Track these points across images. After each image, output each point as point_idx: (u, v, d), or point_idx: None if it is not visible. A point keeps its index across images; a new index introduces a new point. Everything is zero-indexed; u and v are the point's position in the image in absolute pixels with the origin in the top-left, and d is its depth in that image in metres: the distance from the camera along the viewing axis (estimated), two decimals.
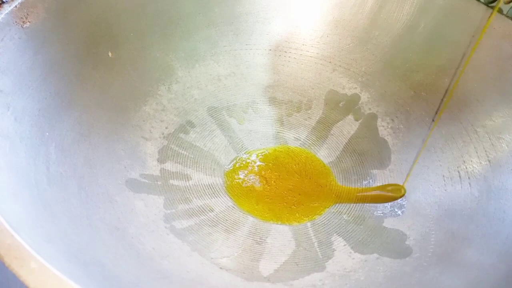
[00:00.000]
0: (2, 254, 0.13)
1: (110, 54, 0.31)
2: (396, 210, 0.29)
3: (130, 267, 0.20)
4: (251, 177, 0.32)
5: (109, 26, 0.31)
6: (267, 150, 0.34)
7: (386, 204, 0.29)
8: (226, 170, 0.32)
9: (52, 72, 0.26)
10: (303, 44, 0.39)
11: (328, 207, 0.29)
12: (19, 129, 0.21)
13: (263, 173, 0.32)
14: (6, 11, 0.23)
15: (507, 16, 0.31)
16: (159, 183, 0.29)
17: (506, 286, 0.19)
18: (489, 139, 0.28)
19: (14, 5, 0.24)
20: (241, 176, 0.32)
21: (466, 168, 0.28)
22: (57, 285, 0.12)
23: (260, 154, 0.34)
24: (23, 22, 0.24)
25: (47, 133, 0.23)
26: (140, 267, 0.21)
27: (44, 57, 0.25)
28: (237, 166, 0.32)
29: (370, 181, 0.32)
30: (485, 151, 0.28)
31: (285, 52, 0.39)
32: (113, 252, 0.20)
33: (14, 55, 0.23)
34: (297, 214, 0.29)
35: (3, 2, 0.24)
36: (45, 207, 0.19)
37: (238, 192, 0.31)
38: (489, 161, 0.28)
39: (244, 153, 0.33)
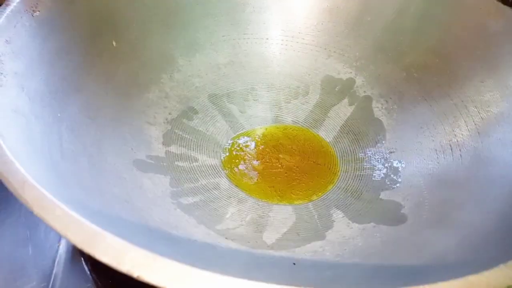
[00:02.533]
0: (30, 204, 0.14)
1: (114, 43, 0.32)
2: (395, 177, 0.30)
3: (141, 232, 0.21)
4: (251, 158, 0.33)
5: (112, 16, 0.32)
6: (266, 132, 0.35)
7: (383, 171, 0.31)
8: (225, 156, 0.33)
9: (60, 58, 0.27)
10: (298, 32, 0.40)
11: (329, 188, 0.30)
12: (33, 108, 0.23)
13: (262, 154, 0.33)
14: (18, 0, 0.24)
15: None
16: (164, 164, 0.30)
17: (494, 239, 0.20)
18: (478, 113, 0.30)
19: None
20: (240, 159, 0.33)
21: (457, 141, 0.30)
22: (80, 228, 0.14)
23: (260, 136, 0.35)
24: (33, 10, 0.26)
25: (59, 114, 0.25)
26: (150, 233, 0.22)
27: (52, 44, 0.27)
28: (236, 149, 0.34)
29: (366, 159, 0.33)
30: (475, 124, 0.29)
31: (282, 40, 0.40)
32: (124, 219, 0.22)
33: (26, 40, 0.24)
34: (298, 193, 0.31)
35: None
36: (59, 177, 0.20)
37: (239, 174, 0.32)
38: (478, 133, 0.29)
39: (244, 136, 0.35)
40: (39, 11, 0.26)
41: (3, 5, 0.24)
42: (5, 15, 0.23)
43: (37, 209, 0.14)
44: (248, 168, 0.32)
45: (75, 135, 0.25)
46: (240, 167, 0.32)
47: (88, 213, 0.17)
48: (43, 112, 0.24)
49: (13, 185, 0.15)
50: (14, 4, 0.24)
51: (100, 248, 0.13)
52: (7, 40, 0.23)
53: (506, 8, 0.30)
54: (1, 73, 0.21)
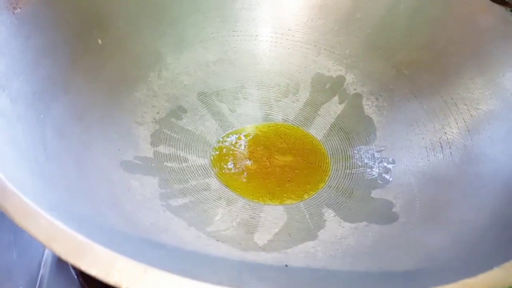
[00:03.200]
0: (12, 213, 0.13)
1: (99, 41, 0.31)
2: (385, 175, 0.30)
3: (130, 238, 0.21)
4: (241, 158, 0.33)
5: (98, 11, 0.31)
6: (257, 131, 0.35)
7: (374, 170, 0.31)
8: (214, 155, 0.32)
9: (44, 57, 0.26)
10: (288, 29, 0.40)
11: (320, 187, 0.30)
12: (15, 110, 0.22)
13: (253, 153, 0.33)
14: None
15: None
16: (153, 165, 0.30)
17: (487, 237, 0.20)
18: (468, 110, 0.30)
19: None
20: (230, 159, 0.32)
21: (447, 138, 0.30)
22: (65, 238, 0.13)
23: (250, 135, 0.34)
24: (14, 8, 0.25)
25: (42, 116, 0.24)
26: (139, 239, 0.21)
27: (35, 42, 0.26)
28: (227, 148, 0.33)
29: (357, 157, 0.33)
30: (464, 121, 0.30)
31: (271, 37, 0.40)
32: (112, 224, 0.21)
33: (7, 39, 0.24)
34: (289, 192, 0.30)
35: None
36: (45, 180, 0.20)
37: (229, 174, 0.31)
38: (468, 130, 0.29)
39: (234, 135, 0.34)
40: (20, 8, 0.25)
41: None
42: None
43: (19, 219, 0.13)
44: (238, 167, 0.32)
45: (60, 136, 0.24)
46: (230, 166, 0.32)
47: (75, 220, 0.16)
48: (26, 113, 0.23)
49: None
50: None
51: (87, 260, 0.12)
52: None
53: (495, 5, 0.30)
54: None
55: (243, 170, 0.32)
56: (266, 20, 0.40)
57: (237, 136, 0.34)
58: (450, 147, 0.29)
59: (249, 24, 0.40)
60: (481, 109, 0.29)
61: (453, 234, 0.21)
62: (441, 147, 0.30)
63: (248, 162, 0.32)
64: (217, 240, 0.25)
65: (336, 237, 0.26)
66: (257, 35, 0.40)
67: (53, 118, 0.25)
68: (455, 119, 0.30)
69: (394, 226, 0.25)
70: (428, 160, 0.30)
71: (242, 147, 0.33)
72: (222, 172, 0.31)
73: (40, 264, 0.29)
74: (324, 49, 0.39)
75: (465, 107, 0.30)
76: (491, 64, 0.30)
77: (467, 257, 0.19)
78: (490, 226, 0.20)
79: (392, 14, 0.36)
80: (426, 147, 0.31)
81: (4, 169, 0.15)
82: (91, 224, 0.19)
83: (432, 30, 0.34)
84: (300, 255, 0.24)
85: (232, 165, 0.32)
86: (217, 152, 0.33)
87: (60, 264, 0.29)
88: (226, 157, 0.32)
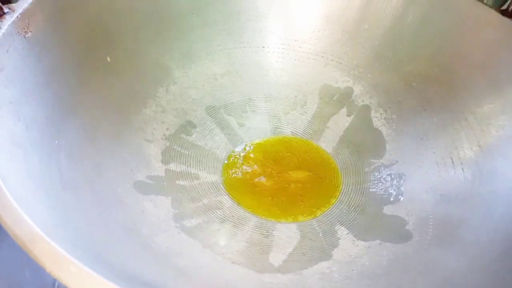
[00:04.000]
0: (41, 260, 0.13)
1: (108, 58, 0.31)
2: (397, 191, 0.30)
3: (149, 266, 0.21)
4: (251, 173, 0.33)
5: (105, 28, 0.31)
6: (266, 145, 0.35)
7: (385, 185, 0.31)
8: (225, 170, 0.32)
9: (55, 79, 0.26)
10: (295, 40, 0.40)
11: (332, 203, 0.30)
12: (30, 138, 0.22)
13: (264, 168, 0.33)
14: (9, 22, 0.23)
15: (487, 5, 0.33)
16: (165, 183, 0.30)
17: (504, 260, 0.20)
18: (479, 125, 0.30)
19: (16, 16, 0.24)
20: (240, 174, 0.32)
21: (458, 154, 0.30)
22: (97, 285, 0.13)
23: (259, 149, 0.34)
24: (25, 32, 0.25)
25: (56, 141, 0.24)
26: (157, 265, 0.22)
27: (46, 64, 0.26)
28: (236, 164, 0.33)
29: (367, 171, 0.33)
30: (476, 137, 0.30)
31: (278, 48, 0.40)
32: (131, 251, 0.21)
33: (19, 64, 0.23)
34: (301, 209, 0.30)
35: (4, 13, 0.24)
36: (64, 211, 0.20)
37: (240, 190, 0.31)
38: (479, 146, 0.29)
39: (244, 150, 0.34)
40: (31, 31, 0.25)
41: None
42: None
43: (49, 266, 0.13)
44: (249, 184, 0.32)
45: (74, 161, 0.24)
46: (241, 183, 0.32)
47: (97, 257, 0.16)
48: (41, 141, 0.23)
49: (21, 239, 0.14)
50: (5, 27, 0.23)
51: None
52: (0, 68, 0.22)
53: (504, 18, 0.30)
54: None
55: (254, 186, 0.32)
56: (273, 31, 0.40)
57: (246, 151, 0.34)
58: (461, 163, 0.29)
59: (255, 35, 0.39)
60: (492, 124, 0.29)
61: (469, 257, 0.21)
62: (453, 162, 0.30)
63: (259, 179, 0.32)
64: (233, 262, 0.25)
65: (350, 257, 0.26)
66: (263, 47, 0.40)
67: (66, 143, 0.25)
68: (465, 134, 0.30)
69: (408, 245, 0.25)
70: (440, 176, 0.30)
71: (252, 162, 0.33)
72: (233, 189, 0.31)
73: (54, 285, 0.29)
74: (331, 60, 0.39)
75: (476, 121, 0.30)
76: (501, 78, 0.30)
77: (486, 283, 0.19)
78: (506, 251, 0.20)
79: (400, 25, 0.36)
80: (437, 162, 0.31)
81: (27, 208, 0.15)
82: (111, 256, 0.19)
83: (440, 43, 0.34)
84: (316, 276, 0.24)
85: (243, 181, 0.32)
86: (228, 169, 0.33)
87: None
88: (237, 174, 0.32)
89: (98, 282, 0.13)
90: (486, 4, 0.33)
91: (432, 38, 0.35)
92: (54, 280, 0.30)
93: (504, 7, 0.31)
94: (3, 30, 0.23)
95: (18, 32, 0.24)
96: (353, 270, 0.25)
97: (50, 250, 0.14)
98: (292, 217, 0.30)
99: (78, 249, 0.16)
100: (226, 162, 0.33)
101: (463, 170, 0.29)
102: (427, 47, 0.35)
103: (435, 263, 0.23)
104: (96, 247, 0.19)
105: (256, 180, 0.32)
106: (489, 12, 0.31)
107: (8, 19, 0.23)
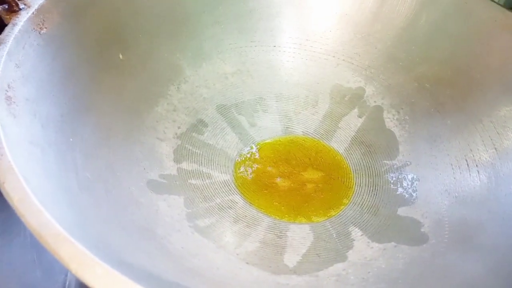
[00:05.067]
0: (67, 261, 0.13)
1: (120, 56, 0.31)
2: (411, 192, 0.30)
3: (166, 266, 0.21)
4: (263, 173, 0.32)
5: (118, 28, 0.31)
6: (277, 145, 0.35)
7: (399, 186, 0.30)
8: (237, 169, 0.32)
9: (69, 77, 0.26)
10: (306, 40, 0.40)
11: (345, 204, 0.30)
12: (46, 136, 0.22)
13: (275, 168, 0.33)
14: (25, 18, 0.23)
15: (502, 5, 0.32)
16: (177, 182, 0.30)
17: None
18: (494, 128, 0.30)
19: (31, 12, 0.24)
20: (252, 174, 0.32)
21: (473, 156, 0.30)
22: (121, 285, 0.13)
23: (271, 149, 0.34)
24: (40, 28, 0.24)
25: (71, 139, 0.24)
26: (174, 266, 0.21)
27: (61, 62, 0.25)
28: (248, 163, 0.33)
29: (380, 172, 0.33)
30: (491, 139, 0.29)
31: (289, 48, 0.39)
32: (148, 252, 0.21)
33: (35, 61, 0.23)
34: (314, 210, 0.30)
35: (20, 9, 0.24)
36: (81, 212, 0.19)
37: (252, 190, 0.31)
38: (495, 149, 0.29)
39: (255, 149, 0.34)
40: (46, 28, 0.25)
41: (10, 25, 0.23)
42: (13, 36, 0.22)
43: (75, 267, 0.13)
44: (260, 184, 0.32)
45: (89, 160, 0.24)
46: (253, 183, 0.32)
47: (117, 259, 0.16)
48: (56, 139, 0.22)
49: (47, 240, 0.14)
50: (21, 23, 0.23)
51: None
52: (17, 64, 0.22)
53: None
54: (14, 102, 0.20)
55: (266, 186, 0.31)
56: (284, 30, 0.39)
57: (257, 150, 0.34)
58: (477, 165, 0.29)
59: (267, 34, 0.39)
60: (508, 127, 0.29)
61: (488, 262, 0.21)
62: (467, 165, 0.30)
63: (271, 178, 0.32)
64: (247, 263, 0.25)
65: (366, 259, 0.26)
66: (275, 46, 0.39)
67: (81, 141, 0.24)
68: (480, 136, 0.30)
69: (424, 248, 0.25)
70: (454, 178, 0.30)
71: (264, 162, 0.33)
72: (245, 188, 0.31)
73: (64, 285, 0.29)
74: (343, 60, 0.39)
75: (491, 124, 0.30)
76: None
77: None
78: None
79: (413, 26, 0.36)
80: (451, 164, 0.30)
81: (50, 209, 0.15)
82: (129, 258, 0.18)
83: (454, 45, 0.34)
84: (332, 278, 0.24)
85: (255, 181, 0.32)
86: (239, 168, 0.33)
87: (85, 285, 0.29)
88: (248, 173, 0.32)
89: (124, 285, 0.13)
90: (497, 3, 0.33)
91: (446, 40, 0.34)
92: (64, 280, 0.30)
93: None
94: (19, 27, 0.23)
95: (34, 28, 0.24)
96: (369, 272, 0.24)
97: (76, 251, 0.13)
98: (305, 218, 0.30)
99: (100, 251, 0.15)
100: (237, 161, 0.33)
101: (478, 172, 0.29)
102: (440, 49, 0.35)
103: (453, 267, 0.23)
104: (115, 248, 0.18)
105: (268, 180, 0.32)
106: (505, 14, 0.31)
107: (24, 15, 0.23)
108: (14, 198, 0.15)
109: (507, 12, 0.31)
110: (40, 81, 0.23)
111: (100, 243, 0.18)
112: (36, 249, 0.31)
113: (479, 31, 0.32)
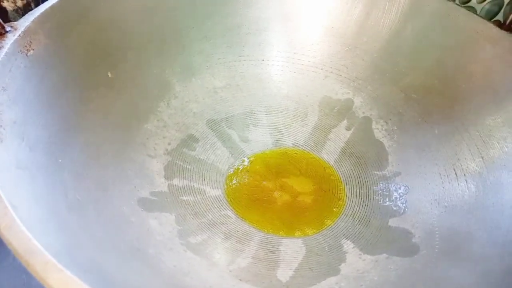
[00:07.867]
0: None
1: (109, 74, 0.31)
2: (401, 203, 0.30)
3: (158, 287, 0.21)
4: (254, 186, 0.32)
5: (106, 46, 0.31)
6: (268, 158, 0.35)
7: (389, 197, 0.31)
8: (228, 184, 0.32)
9: (57, 97, 0.26)
10: (294, 53, 0.40)
11: (337, 216, 0.30)
12: (34, 159, 0.21)
13: (267, 181, 0.33)
14: (11, 41, 0.23)
15: (482, 17, 0.33)
16: (168, 199, 0.29)
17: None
18: (480, 137, 0.30)
19: (18, 34, 0.24)
20: (243, 188, 0.32)
21: (461, 165, 0.30)
22: None
23: (262, 162, 0.34)
24: (27, 50, 0.24)
25: (60, 160, 0.23)
26: (167, 286, 0.21)
27: (48, 83, 0.25)
28: (239, 177, 0.33)
29: (370, 183, 0.33)
30: (478, 148, 0.30)
31: (278, 61, 0.40)
32: (140, 273, 0.21)
33: (22, 83, 0.23)
34: (306, 223, 0.30)
35: (6, 32, 0.24)
36: (71, 235, 0.19)
37: (244, 205, 0.31)
38: (482, 157, 0.29)
39: (246, 162, 0.34)
40: (33, 49, 0.25)
41: None
42: None
43: None
44: (252, 198, 0.32)
45: (79, 180, 0.24)
46: (244, 197, 0.32)
47: (109, 283, 0.16)
48: (45, 161, 0.22)
49: (35, 268, 0.14)
50: (8, 46, 0.23)
51: None
52: (3, 87, 0.21)
53: (503, 32, 0.31)
54: (1, 126, 0.20)
55: (257, 200, 0.32)
56: (272, 44, 0.40)
57: (248, 164, 0.34)
58: (464, 174, 0.29)
59: (255, 48, 0.40)
60: (494, 136, 0.29)
61: (478, 271, 0.22)
62: (456, 174, 0.30)
63: (263, 192, 0.32)
64: (240, 280, 0.25)
65: (358, 271, 0.26)
66: (263, 59, 0.40)
67: (70, 161, 0.24)
68: (467, 145, 0.31)
69: (416, 259, 0.25)
70: (443, 187, 0.30)
71: (254, 175, 0.33)
72: (236, 203, 0.31)
73: None
74: (331, 72, 0.39)
75: (477, 133, 0.30)
76: (501, 91, 0.30)
77: None
78: None
79: (398, 38, 0.37)
80: (440, 174, 0.31)
81: (38, 235, 0.15)
82: (121, 281, 0.18)
83: (440, 55, 0.34)
84: None
85: (247, 195, 0.32)
86: (230, 183, 0.33)
87: None
88: (239, 188, 0.32)
89: None
90: (478, 15, 0.34)
91: (431, 51, 0.35)
92: None
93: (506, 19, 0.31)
94: (5, 49, 0.23)
95: (20, 51, 0.24)
96: (361, 285, 0.24)
97: (65, 279, 0.13)
98: (297, 231, 0.30)
99: (90, 275, 0.15)
100: (228, 175, 0.33)
101: (466, 181, 0.29)
102: (426, 59, 0.35)
103: (444, 278, 0.23)
104: (107, 270, 0.18)
105: (260, 193, 0.32)
106: (487, 26, 0.32)
107: (11, 38, 0.23)
108: (1, 225, 0.15)
109: (488, 23, 0.32)
110: (27, 103, 0.23)
111: (92, 267, 0.17)
112: (26, 271, 0.30)
113: (462, 41, 0.33)
